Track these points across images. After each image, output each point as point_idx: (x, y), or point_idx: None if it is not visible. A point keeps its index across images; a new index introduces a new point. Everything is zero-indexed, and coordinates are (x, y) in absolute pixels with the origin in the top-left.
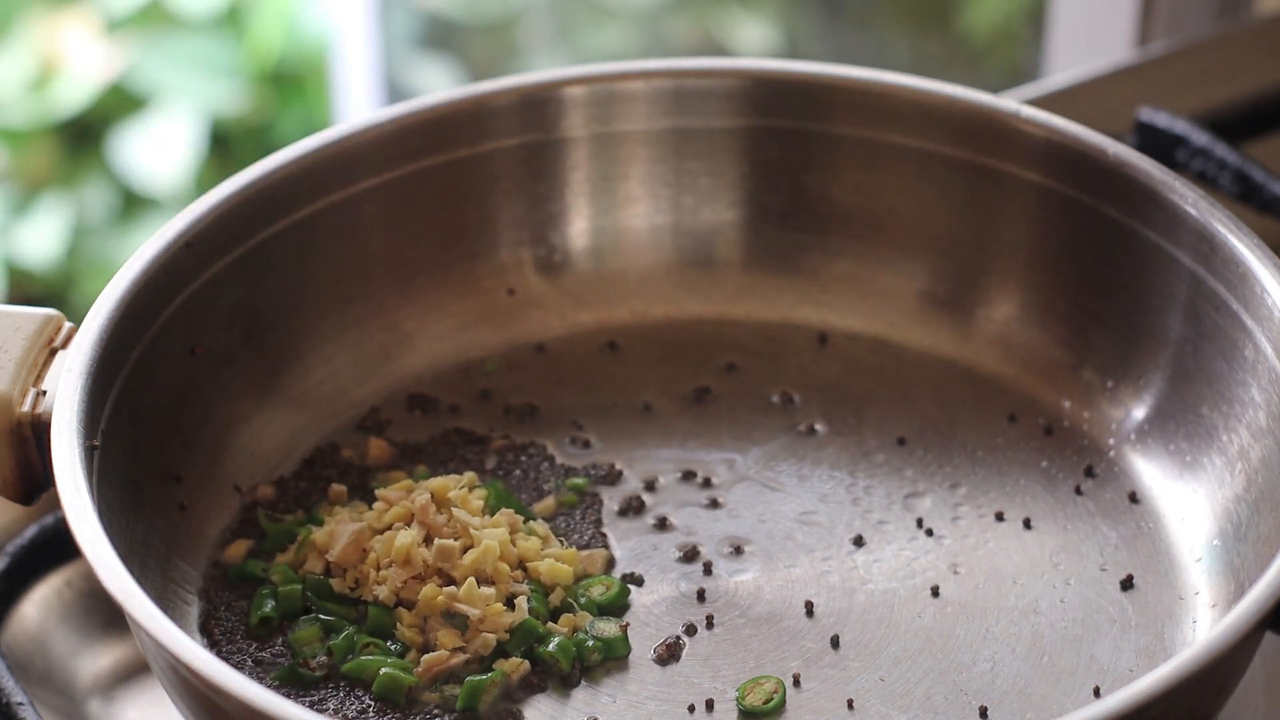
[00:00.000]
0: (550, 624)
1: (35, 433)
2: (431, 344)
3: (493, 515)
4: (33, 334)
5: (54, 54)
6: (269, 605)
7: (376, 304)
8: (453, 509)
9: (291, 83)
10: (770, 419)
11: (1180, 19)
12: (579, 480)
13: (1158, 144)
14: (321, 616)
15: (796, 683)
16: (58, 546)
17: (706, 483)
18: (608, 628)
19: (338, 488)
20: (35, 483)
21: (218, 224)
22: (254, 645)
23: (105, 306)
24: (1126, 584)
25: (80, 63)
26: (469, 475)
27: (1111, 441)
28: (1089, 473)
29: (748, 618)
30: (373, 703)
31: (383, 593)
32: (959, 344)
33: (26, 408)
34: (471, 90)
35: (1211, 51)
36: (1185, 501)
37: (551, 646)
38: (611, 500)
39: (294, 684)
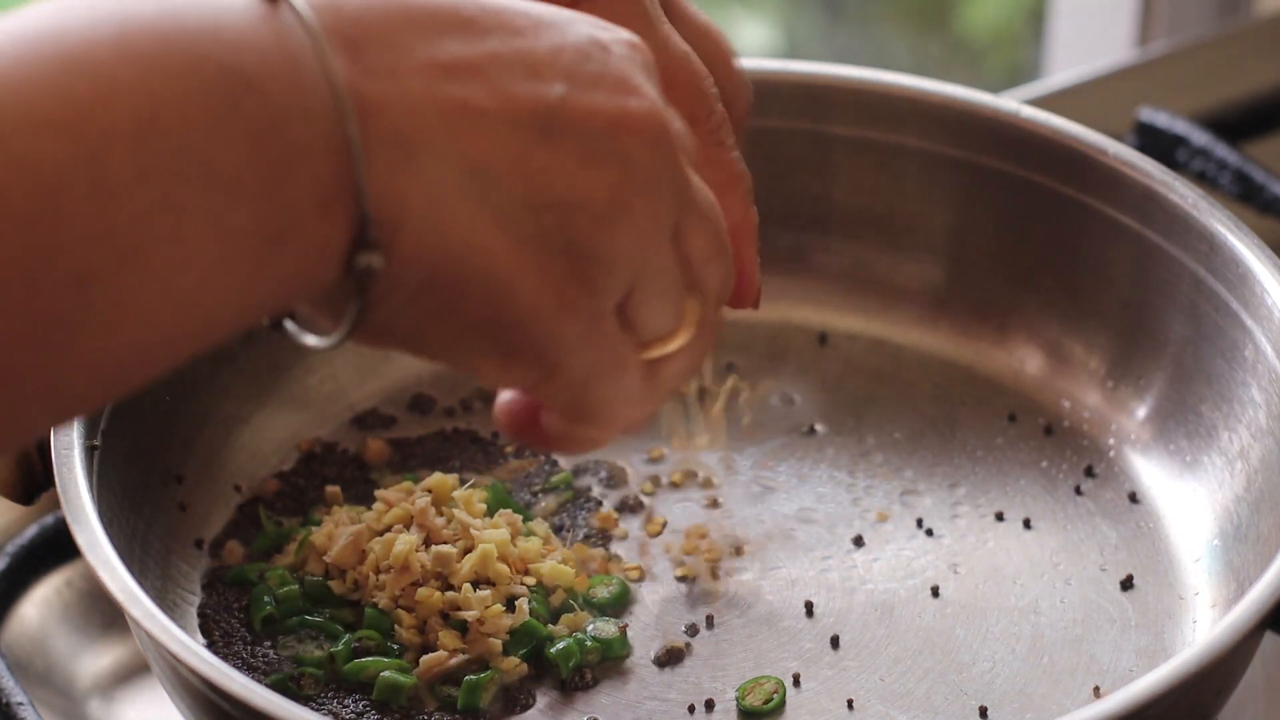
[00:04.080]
0: (551, 625)
1: None
2: None
3: (492, 516)
4: None
5: None
6: (268, 606)
7: None
8: (454, 510)
9: None
10: (770, 419)
11: (1180, 19)
12: (565, 474)
13: (1158, 144)
14: (307, 619)
15: (796, 683)
16: (58, 546)
17: (707, 483)
18: (606, 628)
19: (332, 489)
20: (35, 483)
21: None
22: (254, 645)
23: None
24: (1126, 584)
25: None
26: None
27: (1111, 441)
28: (1089, 473)
29: (748, 618)
30: (372, 704)
31: (382, 599)
32: (959, 344)
33: None
34: None
35: (1211, 51)
36: (1185, 501)
37: (552, 649)
38: (611, 500)
39: (288, 692)
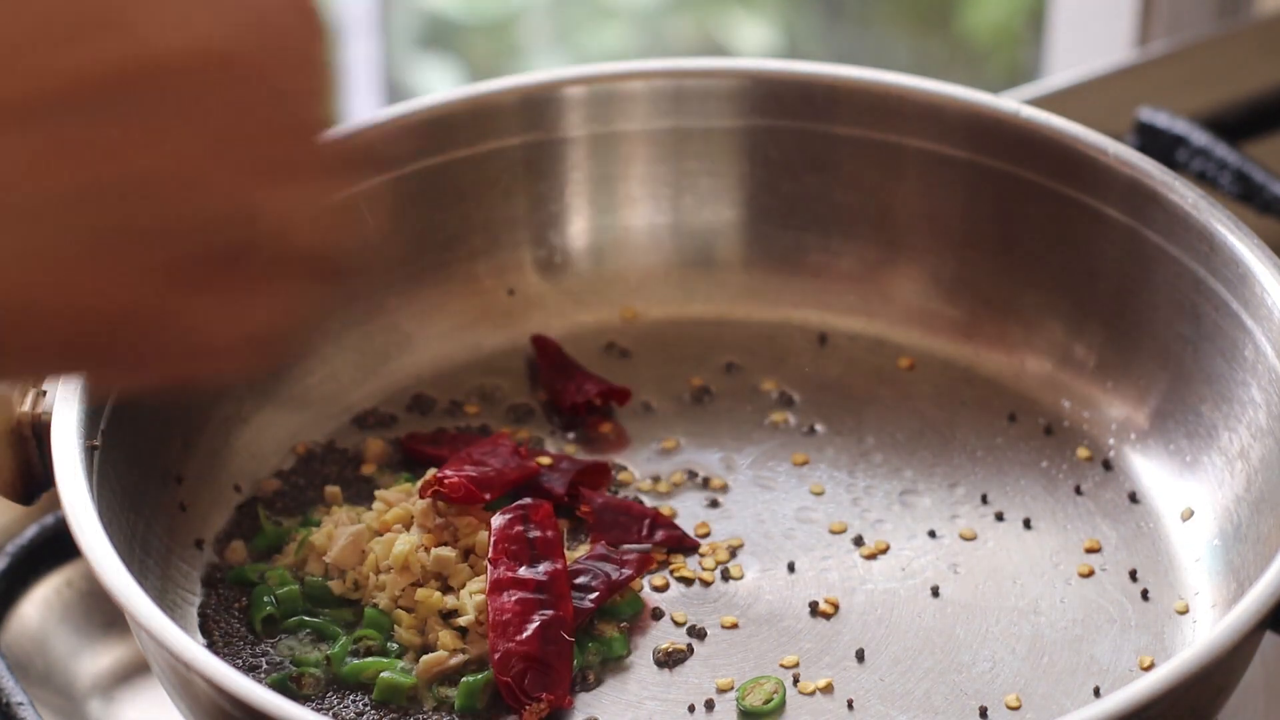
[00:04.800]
0: None
1: (35, 433)
2: (431, 344)
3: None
4: None
5: None
6: (268, 606)
7: (376, 304)
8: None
9: None
10: (770, 419)
11: (1180, 19)
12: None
13: (1158, 144)
14: (307, 619)
15: (796, 683)
16: (58, 546)
17: (706, 483)
18: (606, 629)
19: (332, 489)
20: (35, 483)
21: None
22: (254, 645)
23: None
24: (1126, 584)
25: None
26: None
27: (1111, 441)
28: (1089, 461)
29: (748, 618)
30: (371, 704)
31: (382, 600)
32: (959, 344)
33: (26, 407)
34: (472, 90)
35: (1211, 51)
36: (1185, 501)
37: None
38: None
39: (288, 692)
